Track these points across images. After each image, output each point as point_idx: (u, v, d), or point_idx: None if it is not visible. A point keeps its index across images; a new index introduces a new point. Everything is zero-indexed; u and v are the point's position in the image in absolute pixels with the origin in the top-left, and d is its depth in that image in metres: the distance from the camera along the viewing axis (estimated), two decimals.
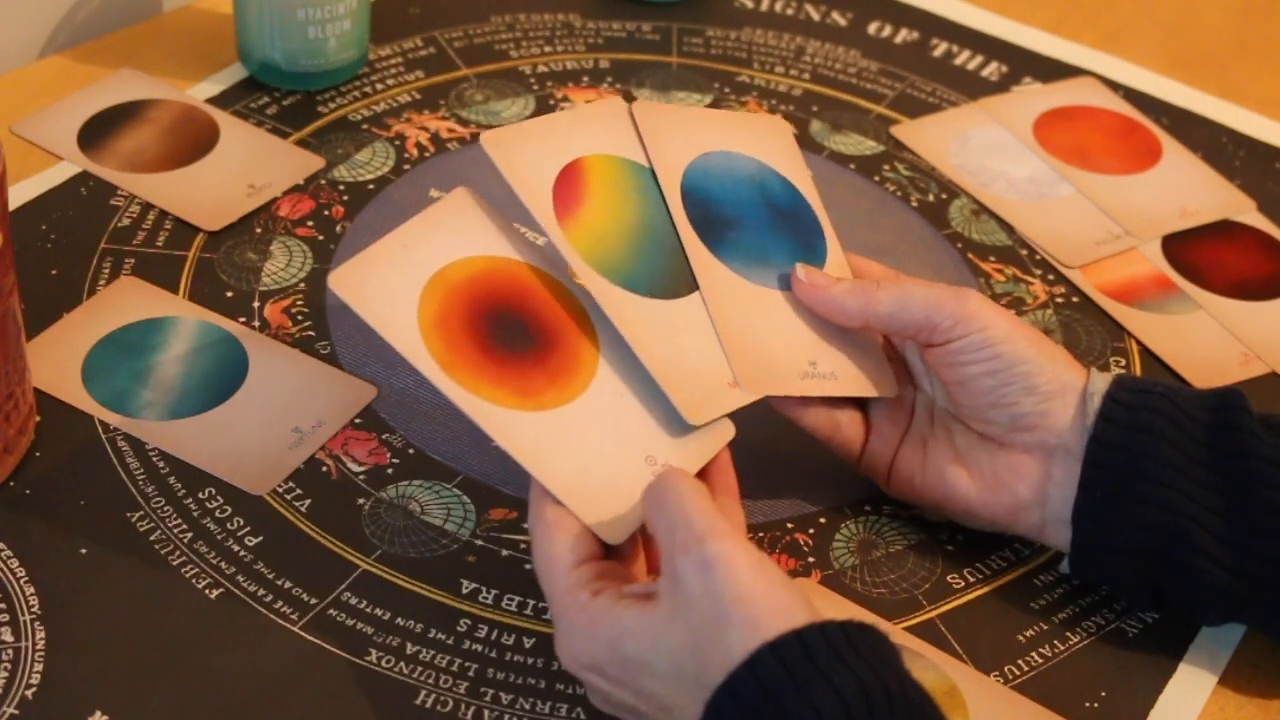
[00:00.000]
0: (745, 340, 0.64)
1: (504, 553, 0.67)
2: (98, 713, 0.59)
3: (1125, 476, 0.62)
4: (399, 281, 0.61)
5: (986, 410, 0.64)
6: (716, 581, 0.52)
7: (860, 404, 0.68)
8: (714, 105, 0.94)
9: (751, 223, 0.68)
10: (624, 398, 0.62)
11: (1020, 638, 0.65)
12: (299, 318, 0.76)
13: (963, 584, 0.67)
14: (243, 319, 0.76)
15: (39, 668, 0.60)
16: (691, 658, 0.52)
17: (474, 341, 0.61)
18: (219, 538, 0.66)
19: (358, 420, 0.72)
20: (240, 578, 0.64)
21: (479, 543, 0.67)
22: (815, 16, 1.04)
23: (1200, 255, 0.86)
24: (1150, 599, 0.64)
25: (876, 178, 0.90)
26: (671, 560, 0.53)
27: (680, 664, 0.53)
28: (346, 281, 0.60)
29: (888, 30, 1.04)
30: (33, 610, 0.62)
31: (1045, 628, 0.66)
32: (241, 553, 0.65)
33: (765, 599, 0.51)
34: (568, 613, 0.56)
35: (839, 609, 0.65)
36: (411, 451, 0.70)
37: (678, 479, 0.56)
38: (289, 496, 0.68)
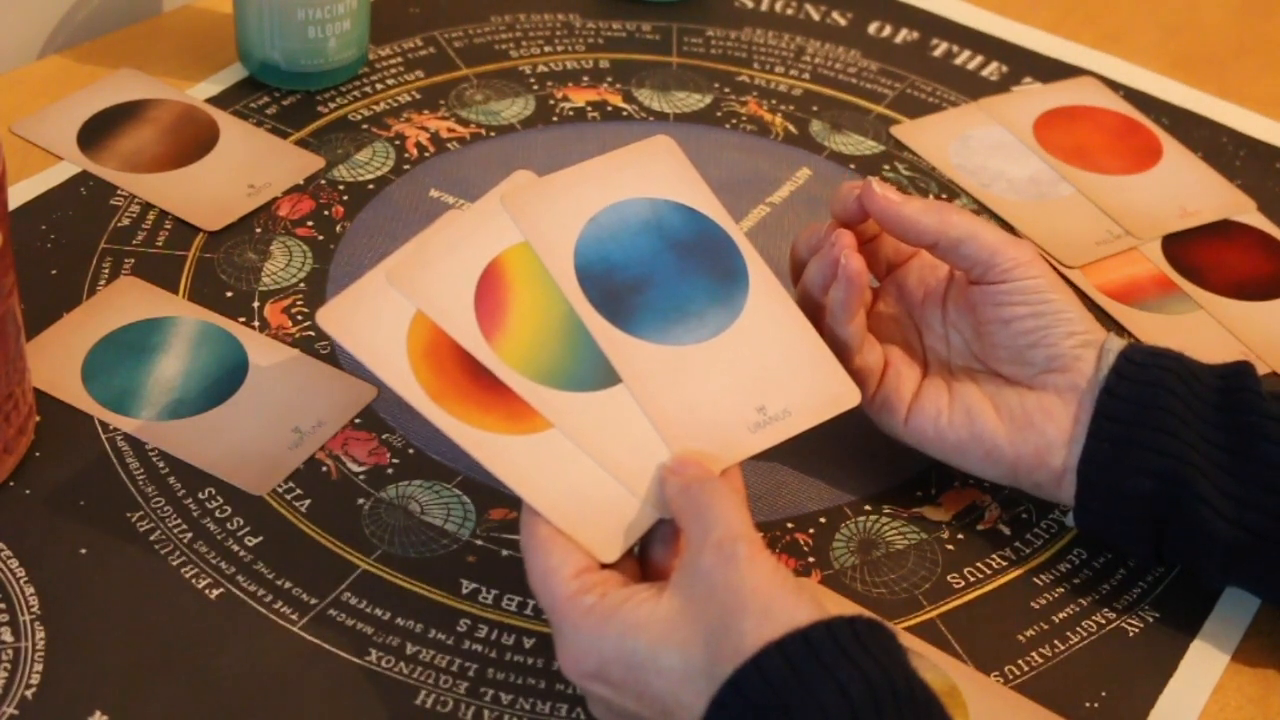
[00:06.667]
0: (679, 417, 0.62)
1: (504, 553, 0.67)
2: (97, 713, 0.59)
3: (1133, 426, 0.63)
4: (387, 314, 0.61)
5: (1024, 350, 0.65)
6: (737, 575, 0.53)
7: (877, 335, 0.69)
8: (714, 105, 0.94)
9: (660, 276, 0.65)
10: None
11: (1020, 638, 0.65)
12: (299, 318, 0.76)
13: (963, 584, 0.67)
14: (243, 319, 0.76)
15: (39, 668, 0.60)
16: (703, 650, 0.53)
17: (463, 368, 0.61)
18: (219, 538, 0.66)
19: (357, 420, 0.72)
20: (240, 578, 0.64)
21: (479, 543, 0.67)
22: (815, 16, 1.04)
23: (1200, 255, 0.86)
24: (1152, 552, 0.65)
25: (877, 178, 0.90)
26: (698, 555, 0.55)
27: (690, 658, 0.53)
28: (334, 317, 0.60)
29: (888, 30, 1.04)
30: (32, 610, 0.62)
31: (1045, 628, 0.66)
32: (241, 553, 0.65)
33: (780, 593, 0.53)
34: (571, 617, 0.56)
35: (840, 609, 0.65)
36: (411, 451, 0.70)
37: (719, 482, 0.58)
38: (289, 496, 0.68)
